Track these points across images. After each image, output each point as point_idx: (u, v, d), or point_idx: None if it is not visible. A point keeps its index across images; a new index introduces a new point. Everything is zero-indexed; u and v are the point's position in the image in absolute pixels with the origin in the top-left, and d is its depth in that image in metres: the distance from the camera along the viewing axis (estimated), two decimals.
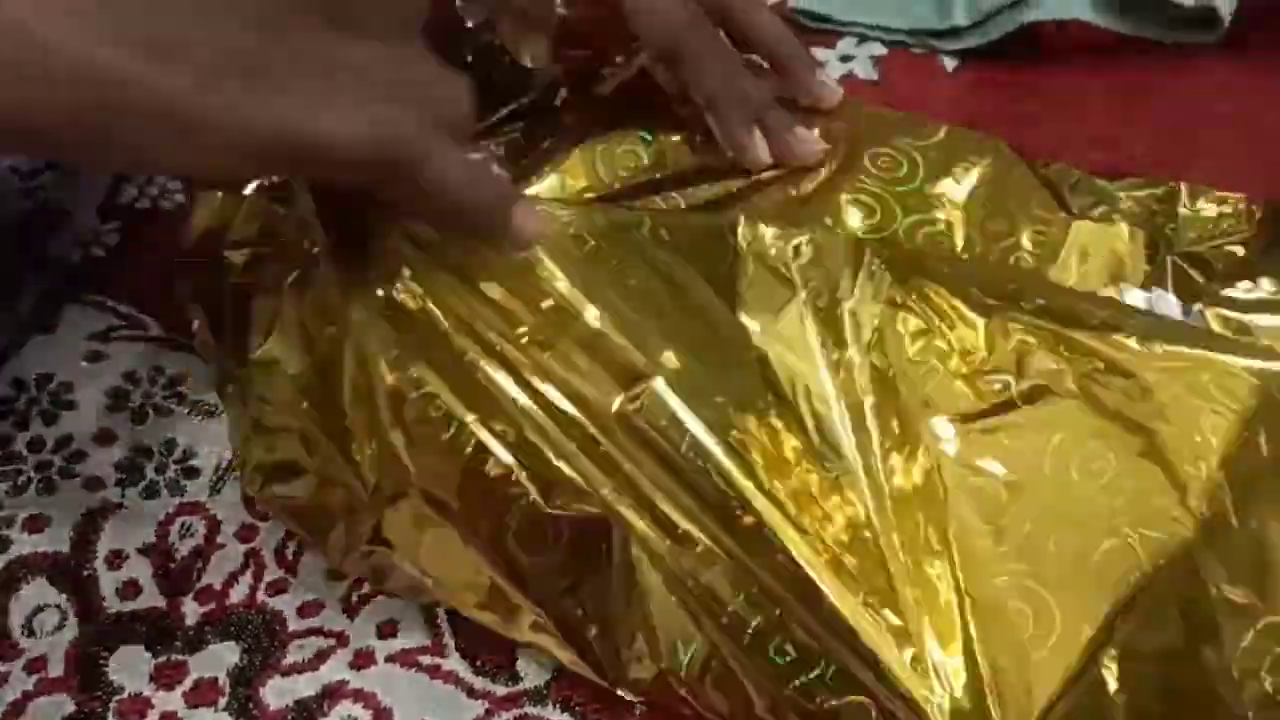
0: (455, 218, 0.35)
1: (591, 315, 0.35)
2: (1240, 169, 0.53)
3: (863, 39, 0.61)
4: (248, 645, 0.39)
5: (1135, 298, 0.41)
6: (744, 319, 0.36)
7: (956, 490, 0.34)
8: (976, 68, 0.59)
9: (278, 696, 0.38)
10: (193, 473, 0.44)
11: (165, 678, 0.39)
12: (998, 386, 0.36)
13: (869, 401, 0.35)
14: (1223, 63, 0.58)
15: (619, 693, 0.36)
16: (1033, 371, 0.35)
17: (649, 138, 0.44)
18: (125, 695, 0.38)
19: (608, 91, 0.46)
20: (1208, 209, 0.47)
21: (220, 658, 0.39)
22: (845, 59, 0.60)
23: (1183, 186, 0.48)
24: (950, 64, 0.60)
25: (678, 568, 0.33)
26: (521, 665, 0.38)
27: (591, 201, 0.41)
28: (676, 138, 0.44)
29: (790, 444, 0.34)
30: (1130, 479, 0.34)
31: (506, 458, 0.34)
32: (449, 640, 0.39)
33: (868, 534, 0.33)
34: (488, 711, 0.38)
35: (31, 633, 0.40)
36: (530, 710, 0.38)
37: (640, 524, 0.34)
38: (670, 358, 0.34)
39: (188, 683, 0.39)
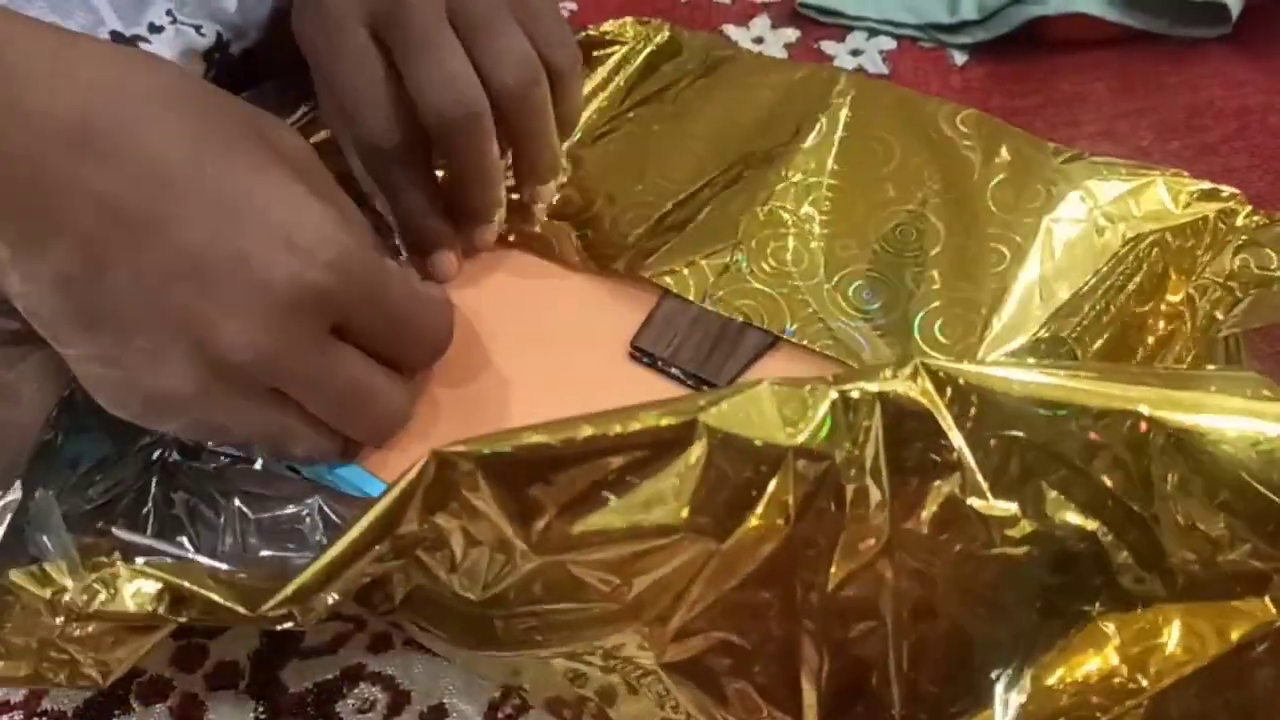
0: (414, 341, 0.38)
1: None
2: (1247, 162, 0.53)
3: (872, 33, 0.62)
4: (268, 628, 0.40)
5: None
6: None
7: None
8: (985, 61, 0.60)
9: (297, 679, 0.39)
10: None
11: (187, 660, 0.39)
12: None
13: None
14: (1230, 56, 0.58)
15: None
16: None
17: None
18: (146, 678, 0.39)
19: None
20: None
21: (241, 641, 0.40)
22: (855, 53, 0.61)
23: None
24: (959, 58, 0.60)
25: None
26: None
27: None
28: None
29: None
30: None
31: None
32: None
33: None
34: (504, 694, 0.38)
35: None
36: None
37: None
38: None
39: (209, 665, 0.39)
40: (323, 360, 0.35)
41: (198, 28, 0.51)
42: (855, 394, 0.27)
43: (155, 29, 0.50)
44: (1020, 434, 0.26)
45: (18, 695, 0.39)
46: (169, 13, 0.50)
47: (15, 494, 0.36)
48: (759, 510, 0.26)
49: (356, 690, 0.39)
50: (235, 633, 0.40)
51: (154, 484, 0.39)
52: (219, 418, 0.35)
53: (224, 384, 0.34)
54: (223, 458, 0.39)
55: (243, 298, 0.33)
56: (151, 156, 0.33)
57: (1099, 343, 0.40)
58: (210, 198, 0.33)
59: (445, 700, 0.38)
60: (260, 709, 0.38)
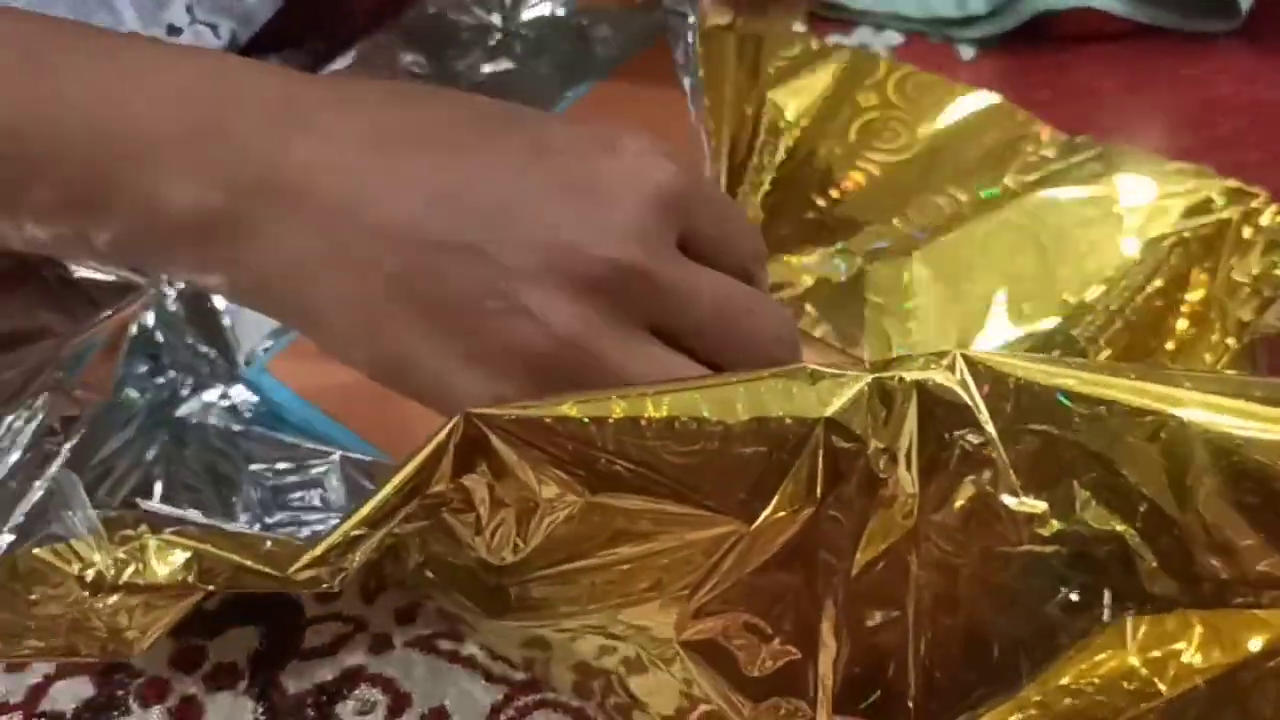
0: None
1: None
2: (1259, 158, 0.53)
3: (879, 27, 0.61)
4: (267, 630, 0.40)
5: None
6: None
7: None
8: (993, 56, 0.59)
9: (297, 680, 0.38)
10: None
11: (185, 662, 0.39)
12: None
13: None
14: (1242, 51, 0.58)
15: None
16: None
17: None
18: (145, 679, 0.39)
19: None
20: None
21: (240, 642, 0.39)
22: (862, 47, 0.60)
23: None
24: (967, 53, 0.60)
25: None
26: None
27: None
28: None
29: None
30: None
31: None
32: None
33: None
34: (506, 697, 0.38)
35: None
36: (549, 695, 0.38)
37: None
38: None
39: (207, 666, 0.39)
40: (689, 270, 0.32)
41: (214, 27, 0.49)
42: (891, 381, 0.26)
43: (174, 30, 0.49)
44: (1055, 430, 0.25)
45: (17, 695, 0.38)
46: (189, 9, 0.49)
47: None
48: (788, 488, 0.26)
49: (357, 692, 0.38)
50: (235, 634, 0.39)
51: (166, 455, 0.38)
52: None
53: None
54: (234, 426, 0.39)
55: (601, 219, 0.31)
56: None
57: (1113, 342, 0.40)
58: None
59: (446, 702, 0.38)
60: (259, 711, 0.38)
